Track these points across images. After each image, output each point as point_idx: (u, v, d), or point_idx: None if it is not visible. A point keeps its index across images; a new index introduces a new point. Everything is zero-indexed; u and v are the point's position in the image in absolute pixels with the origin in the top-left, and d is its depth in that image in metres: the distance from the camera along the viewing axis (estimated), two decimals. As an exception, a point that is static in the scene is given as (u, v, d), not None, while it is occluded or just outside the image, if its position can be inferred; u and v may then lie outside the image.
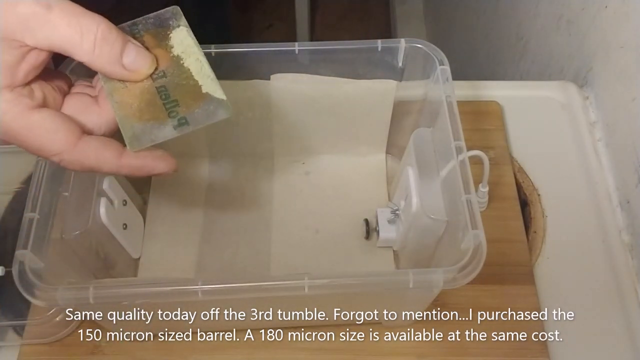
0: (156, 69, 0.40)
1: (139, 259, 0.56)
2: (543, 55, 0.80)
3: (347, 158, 0.62)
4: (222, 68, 0.51)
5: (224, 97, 0.39)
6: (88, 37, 0.36)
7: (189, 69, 0.40)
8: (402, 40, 0.51)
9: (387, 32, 1.79)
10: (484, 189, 0.56)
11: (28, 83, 0.37)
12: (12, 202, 0.59)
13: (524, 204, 0.60)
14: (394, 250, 0.57)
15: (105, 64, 0.37)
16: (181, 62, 0.40)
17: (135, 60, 0.38)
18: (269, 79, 0.54)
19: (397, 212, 0.55)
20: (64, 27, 0.35)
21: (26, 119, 0.37)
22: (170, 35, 0.41)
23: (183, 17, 0.42)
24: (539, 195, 0.60)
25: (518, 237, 0.56)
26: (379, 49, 0.51)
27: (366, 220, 0.58)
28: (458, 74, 0.52)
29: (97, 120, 0.40)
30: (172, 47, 0.41)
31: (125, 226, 0.53)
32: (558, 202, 0.59)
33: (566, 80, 0.68)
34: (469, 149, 0.46)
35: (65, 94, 0.40)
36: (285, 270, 0.56)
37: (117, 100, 0.39)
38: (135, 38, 0.40)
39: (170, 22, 0.42)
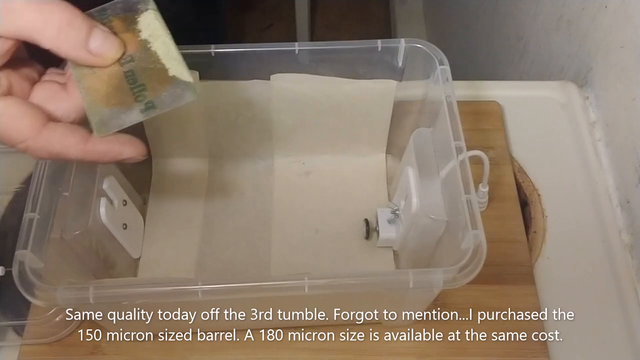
0: (124, 53, 0.39)
1: (139, 259, 0.56)
2: (543, 55, 0.80)
3: (347, 158, 0.62)
4: (222, 68, 0.51)
5: (190, 79, 0.39)
6: (52, 23, 0.35)
7: (156, 53, 0.40)
8: (402, 40, 0.51)
9: (387, 32, 1.79)
10: (484, 189, 0.56)
11: None
12: (12, 202, 0.59)
13: (524, 204, 0.60)
14: (394, 250, 0.57)
15: (71, 50, 0.37)
16: (148, 45, 0.40)
17: (102, 45, 0.38)
18: (269, 79, 0.54)
19: (397, 212, 0.55)
20: (27, 14, 0.35)
21: None
22: (138, 19, 0.40)
23: (152, 0, 0.41)
24: (539, 195, 0.60)
25: (518, 237, 0.56)
26: (379, 49, 0.51)
27: (366, 220, 0.58)
28: (458, 74, 0.52)
29: (65, 107, 0.39)
30: (140, 31, 0.40)
31: (125, 226, 0.53)
32: (558, 202, 0.59)
33: (566, 80, 0.68)
34: (469, 149, 0.46)
35: (34, 82, 0.40)
36: (285, 270, 0.56)
37: (85, 86, 0.38)
38: (103, 24, 0.39)
39: (139, 6, 0.41)
